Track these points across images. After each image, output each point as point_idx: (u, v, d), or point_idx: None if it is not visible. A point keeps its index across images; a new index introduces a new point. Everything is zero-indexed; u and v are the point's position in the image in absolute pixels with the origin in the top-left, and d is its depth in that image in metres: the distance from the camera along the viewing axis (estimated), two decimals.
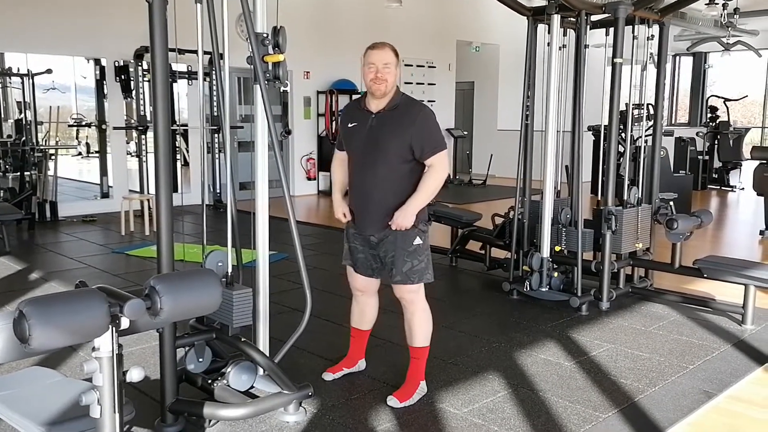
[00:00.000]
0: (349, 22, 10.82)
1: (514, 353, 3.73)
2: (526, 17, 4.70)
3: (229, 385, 2.91)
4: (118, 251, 6.38)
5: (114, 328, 1.65)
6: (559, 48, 4.57)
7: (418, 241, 3.02)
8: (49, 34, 8.08)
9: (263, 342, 3.09)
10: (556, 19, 4.43)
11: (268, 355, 3.04)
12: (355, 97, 10.83)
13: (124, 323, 1.64)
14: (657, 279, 5.03)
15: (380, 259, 3.08)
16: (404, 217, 2.93)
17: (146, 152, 8.87)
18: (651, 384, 3.32)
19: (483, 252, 5.52)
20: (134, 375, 1.76)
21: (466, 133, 13.05)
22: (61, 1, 8.14)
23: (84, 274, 5.52)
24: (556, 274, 4.63)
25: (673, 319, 4.37)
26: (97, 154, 9.54)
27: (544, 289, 4.62)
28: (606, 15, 4.48)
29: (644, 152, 5.02)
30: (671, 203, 4.67)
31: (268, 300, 3.10)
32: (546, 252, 4.62)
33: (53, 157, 10.63)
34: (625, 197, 4.65)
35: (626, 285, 4.80)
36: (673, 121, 16.53)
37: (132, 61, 8.45)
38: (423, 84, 12.04)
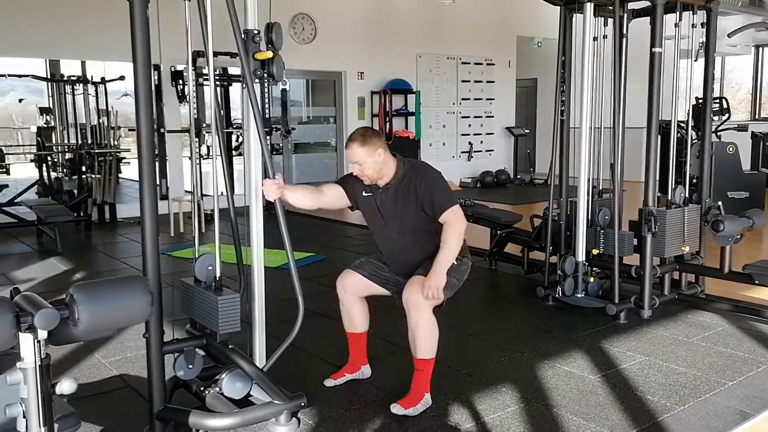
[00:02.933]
0: (404, 20, 10.69)
1: (536, 364, 3.50)
2: (558, 7, 4.44)
3: (222, 393, 2.83)
4: (163, 252, 6.44)
5: (34, 338, 1.58)
6: (594, 38, 4.29)
7: (453, 261, 2.98)
8: (113, 42, 8.33)
9: (259, 349, 3.00)
10: (589, 7, 4.16)
11: (265, 362, 2.95)
12: (410, 96, 10.72)
13: (43, 334, 1.57)
14: (711, 285, 4.65)
15: (404, 276, 3.07)
16: (436, 280, 2.84)
17: (199, 155, 9.03)
18: (681, 402, 3.03)
19: (522, 255, 5.27)
20: (65, 387, 1.69)
21: (527, 131, 12.68)
22: (121, 9, 8.39)
23: (124, 275, 5.63)
24: (592, 279, 4.35)
25: (720, 329, 4.02)
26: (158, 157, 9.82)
27: (579, 295, 4.34)
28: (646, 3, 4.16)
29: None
30: (720, 203, 4.29)
31: (264, 304, 3.00)
32: (581, 255, 4.34)
33: (124, 161, 11.08)
34: (669, 197, 4.31)
35: (672, 291, 4.46)
36: (756, 116, 15.52)
37: (186, 66, 8.62)
38: (481, 82, 11.78)
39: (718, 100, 10.34)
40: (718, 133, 9.46)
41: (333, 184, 3.22)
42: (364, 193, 3.11)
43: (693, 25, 4.33)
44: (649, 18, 4.32)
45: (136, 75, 2.55)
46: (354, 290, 3.17)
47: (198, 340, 2.85)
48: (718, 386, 3.20)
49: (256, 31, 2.80)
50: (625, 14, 4.26)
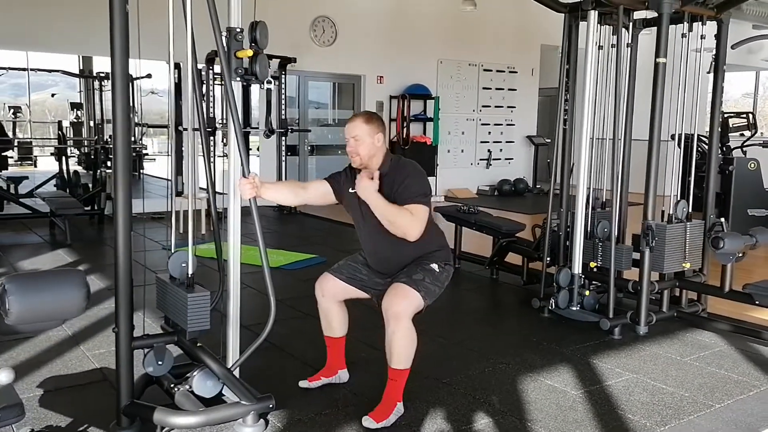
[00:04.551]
0: (425, 26, 10.65)
1: (519, 376, 3.42)
2: (562, 15, 4.37)
3: (192, 391, 2.82)
4: (167, 248, 6.51)
5: None
6: (600, 47, 4.21)
7: (435, 266, 2.95)
8: (136, 40, 8.44)
9: (233, 348, 2.98)
10: (593, 15, 4.08)
11: (235, 361, 2.92)
12: (429, 102, 10.68)
13: None
14: (714, 304, 4.51)
15: (383, 277, 3.03)
16: (366, 181, 2.87)
17: (214, 153, 9.08)
18: (661, 423, 2.94)
19: (522, 265, 5.19)
20: (1, 377, 1.68)
21: (549, 140, 12.53)
22: (149, 7, 8.50)
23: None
24: (587, 293, 4.25)
25: (718, 349, 3.90)
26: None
27: (574, 308, 4.25)
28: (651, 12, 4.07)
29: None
30: (723, 219, 4.18)
31: (239, 303, 2.98)
32: (578, 268, 4.25)
33: (147, 157, 11.24)
34: (671, 211, 4.20)
35: (672, 309, 4.34)
36: None
37: (204, 65, 8.67)
38: (503, 89, 11.67)
39: (745, 116, 10.14)
40: (744, 149, 9.25)
41: (320, 180, 3.18)
42: (350, 190, 3.07)
43: (702, 36, 4.22)
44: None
45: (114, 68, 2.56)
46: (332, 294, 3.14)
47: (168, 337, 2.84)
48: (705, 408, 3.09)
49: (238, 29, 2.78)
50: (631, 23, 4.18)
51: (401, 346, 2.84)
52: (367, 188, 2.86)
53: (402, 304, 2.81)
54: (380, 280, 3.05)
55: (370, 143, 2.94)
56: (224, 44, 2.71)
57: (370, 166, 2.98)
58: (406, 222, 2.82)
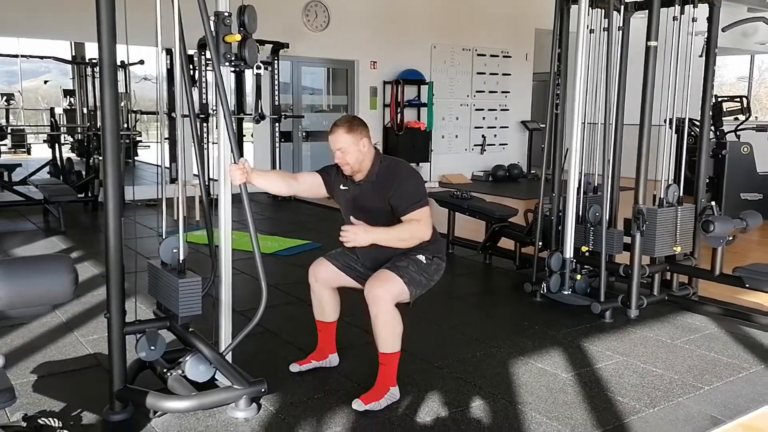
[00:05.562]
0: (418, 10, 10.60)
1: (510, 360, 3.45)
2: None
3: (184, 376, 2.84)
4: (160, 234, 6.51)
5: None
6: (591, 30, 4.20)
7: (421, 257, 2.95)
8: (132, 26, 8.39)
9: (224, 334, 2.99)
10: None
11: (227, 346, 2.94)
12: (423, 87, 10.65)
13: None
14: (706, 287, 4.54)
15: (371, 268, 3.03)
16: (356, 232, 2.81)
17: (207, 139, 9.05)
18: (651, 404, 2.97)
19: (514, 250, 5.21)
20: None
21: (543, 125, 12.52)
22: None
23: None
24: (579, 277, 4.27)
25: (708, 332, 3.93)
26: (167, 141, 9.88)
27: (566, 292, 4.28)
28: None
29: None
30: (714, 203, 4.19)
31: (230, 288, 2.99)
32: (569, 252, 4.27)
33: (141, 144, 11.19)
34: (662, 195, 4.22)
35: (662, 292, 4.37)
36: None
37: (196, 50, 8.63)
38: (497, 74, 11.64)
39: (738, 100, 10.15)
40: (737, 133, 9.27)
41: (312, 172, 3.18)
42: (341, 187, 3.08)
43: (694, 19, 4.22)
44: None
45: (101, 54, 2.55)
46: (325, 280, 3.15)
47: (160, 322, 2.85)
48: (694, 390, 3.12)
49: (227, 14, 2.77)
50: (623, 6, 4.17)
51: (384, 330, 2.85)
52: (364, 236, 2.81)
53: (382, 288, 2.82)
54: (372, 272, 3.04)
55: (357, 151, 2.93)
56: (212, 29, 2.70)
57: (361, 171, 2.98)
58: (418, 232, 2.87)
